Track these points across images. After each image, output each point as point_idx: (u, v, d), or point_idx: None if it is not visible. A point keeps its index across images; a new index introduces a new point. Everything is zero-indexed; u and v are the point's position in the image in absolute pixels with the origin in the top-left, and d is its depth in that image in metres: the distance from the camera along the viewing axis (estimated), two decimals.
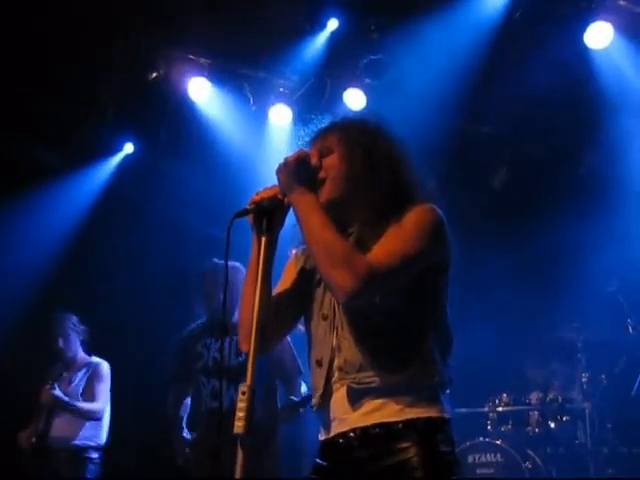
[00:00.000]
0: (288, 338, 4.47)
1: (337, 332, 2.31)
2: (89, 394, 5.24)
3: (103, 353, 6.04)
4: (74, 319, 5.36)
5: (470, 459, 5.78)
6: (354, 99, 6.24)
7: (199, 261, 4.65)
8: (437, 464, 2.19)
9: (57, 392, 5.05)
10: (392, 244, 2.23)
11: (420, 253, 2.24)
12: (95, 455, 5.21)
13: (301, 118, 6.53)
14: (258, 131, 6.57)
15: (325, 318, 2.35)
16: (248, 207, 2.29)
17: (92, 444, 5.21)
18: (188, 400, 4.70)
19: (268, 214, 2.29)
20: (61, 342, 5.26)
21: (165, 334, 4.91)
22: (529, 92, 5.79)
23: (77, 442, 5.14)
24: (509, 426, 6.05)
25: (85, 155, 6.46)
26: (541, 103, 5.93)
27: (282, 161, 2.32)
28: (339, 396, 2.29)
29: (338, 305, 2.31)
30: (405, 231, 2.24)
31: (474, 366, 6.21)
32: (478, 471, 5.73)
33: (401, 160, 2.42)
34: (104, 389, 5.32)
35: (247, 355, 2.21)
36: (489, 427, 6.06)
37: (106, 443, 5.30)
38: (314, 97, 6.44)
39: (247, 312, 2.28)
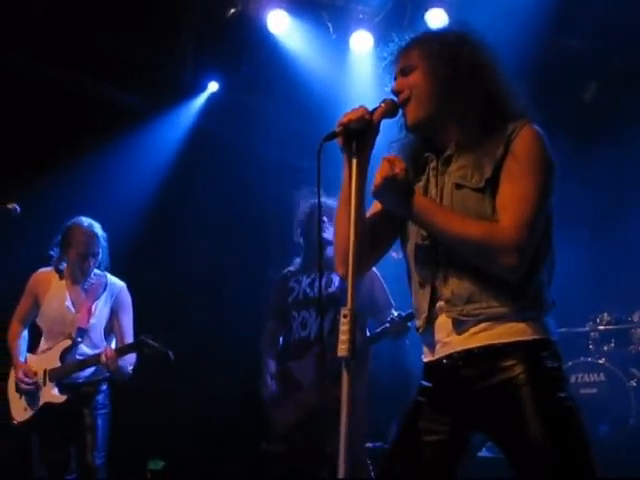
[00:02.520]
0: (377, 272, 4.53)
1: (442, 260, 2.27)
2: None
3: (199, 291, 6.22)
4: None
5: (573, 379, 5.73)
6: (436, 19, 6.06)
7: (287, 193, 4.69)
8: (544, 380, 2.17)
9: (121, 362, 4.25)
10: (522, 197, 2.16)
11: (548, 193, 2.21)
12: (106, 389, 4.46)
13: (383, 43, 6.40)
14: (340, 60, 6.48)
15: (425, 238, 2.31)
16: (336, 130, 2.23)
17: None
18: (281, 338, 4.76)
19: (357, 136, 2.23)
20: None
21: (251, 267, 4.99)
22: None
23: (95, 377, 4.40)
24: (612, 345, 5.96)
25: (170, 97, 6.51)
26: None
27: (372, 187, 2.23)
28: (444, 322, 2.28)
29: None
30: (525, 172, 2.17)
31: (574, 285, 6.11)
32: (581, 391, 5.69)
33: (490, 68, 2.31)
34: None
35: (343, 280, 2.30)
36: (591, 347, 5.99)
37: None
38: (395, 20, 6.28)
39: (341, 236, 2.27)
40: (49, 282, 4.50)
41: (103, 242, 4.48)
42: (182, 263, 6.43)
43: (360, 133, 2.23)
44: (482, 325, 2.22)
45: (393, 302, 4.50)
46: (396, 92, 2.34)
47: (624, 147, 6.09)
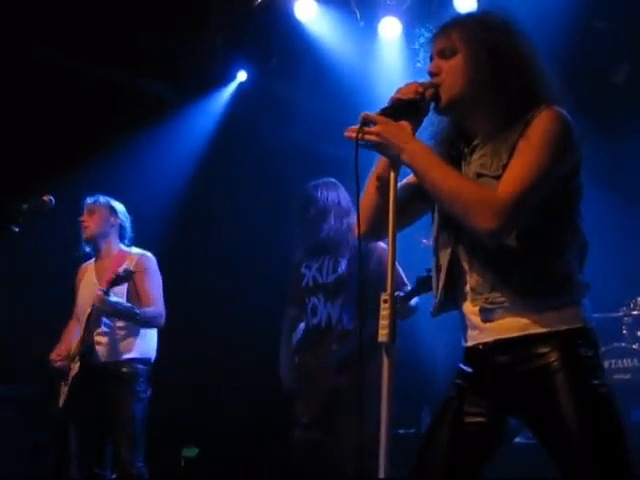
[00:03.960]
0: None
1: (466, 247, 2.28)
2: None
3: (231, 279, 6.25)
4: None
5: (606, 364, 5.68)
6: (465, 3, 6.02)
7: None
8: (578, 367, 2.17)
9: (113, 298, 4.20)
10: (521, 169, 2.15)
11: (550, 172, 2.16)
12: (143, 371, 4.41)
13: (411, 29, 6.38)
14: (368, 46, 6.46)
15: (446, 223, 2.32)
16: (388, 105, 2.22)
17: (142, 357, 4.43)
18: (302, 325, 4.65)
19: (408, 112, 2.22)
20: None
21: (283, 255, 5.00)
22: None
23: (129, 356, 4.38)
24: None
25: (200, 86, 6.55)
26: None
27: (378, 119, 2.18)
28: (471, 310, 2.29)
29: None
30: (532, 148, 2.15)
31: (607, 270, 6.05)
32: (615, 376, 5.65)
33: (528, 58, 2.28)
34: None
35: (360, 239, 2.36)
36: (624, 332, 5.94)
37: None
38: (423, 6, 6.26)
39: (367, 195, 2.36)
40: (83, 272, 4.60)
41: (118, 216, 4.53)
42: (213, 252, 6.47)
43: (413, 109, 2.23)
44: (511, 313, 2.22)
45: (406, 281, 4.29)
46: (433, 73, 2.31)
47: None
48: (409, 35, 6.40)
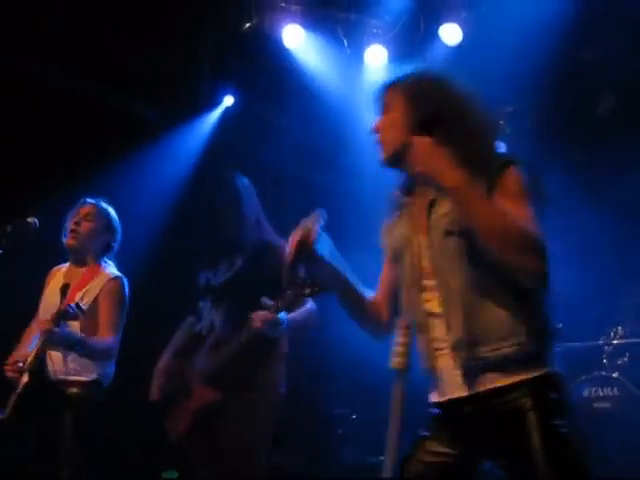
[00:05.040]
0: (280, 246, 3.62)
1: (444, 305, 2.28)
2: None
3: None
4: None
5: (586, 393, 5.71)
6: (450, 34, 6.11)
7: (301, 205, 4.67)
8: (544, 409, 2.21)
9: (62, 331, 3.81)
10: (524, 214, 2.19)
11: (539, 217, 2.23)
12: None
13: (397, 57, 6.45)
14: (354, 73, 6.53)
15: (413, 285, 2.37)
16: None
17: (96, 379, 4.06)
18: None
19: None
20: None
21: None
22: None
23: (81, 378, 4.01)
24: (626, 359, 5.91)
25: (187, 110, 6.58)
26: None
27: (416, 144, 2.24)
28: (450, 366, 2.29)
29: (446, 279, 2.27)
30: (520, 201, 2.21)
31: (588, 299, 6.10)
32: (595, 405, 5.66)
33: (464, 112, 2.38)
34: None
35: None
36: (604, 360, 5.95)
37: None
38: (409, 35, 6.34)
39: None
40: (53, 276, 4.31)
41: (113, 233, 4.22)
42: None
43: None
44: (489, 369, 2.24)
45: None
46: (375, 129, 2.46)
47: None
48: (395, 63, 6.48)
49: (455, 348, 2.24)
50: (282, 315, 3.44)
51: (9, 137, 5.42)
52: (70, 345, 3.88)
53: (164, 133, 6.39)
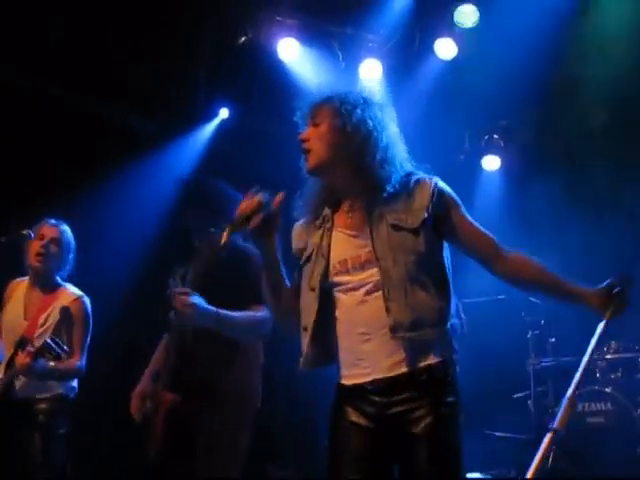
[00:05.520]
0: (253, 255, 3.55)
1: (385, 290, 2.52)
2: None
3: None
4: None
5: (579, 407, 5.72)
6: (445, 48, 6.14)
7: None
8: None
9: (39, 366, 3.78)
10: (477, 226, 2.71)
11: None
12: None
13: (392, 71, 6.48)
14: (349, 87, 6.54)
15: (313, 289, 2.63)
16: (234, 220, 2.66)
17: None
18: None
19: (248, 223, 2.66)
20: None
21: None
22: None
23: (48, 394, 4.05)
24: (619, 374, 5.93)
25: (183, 123, 6.60)
26: None
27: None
28: (374, 349, 2.56)
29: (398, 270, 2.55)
30: (463, 213, 2.68)
31: (581, 314, 6.11)
32: (588, 420, 5.68)
33: (383, 127, 2.68)
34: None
35: None
36: (598, 375, 5.97)
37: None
38: (404, 49, 6.38)
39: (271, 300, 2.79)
40: (14, 289, 4.29)
41: (70, 249, 4.20)
42: None
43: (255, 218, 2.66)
44: (415, 350, 2.58)
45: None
46: (303, 140, 2.72)
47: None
48: (390, 77, 6.51)
49: (394, 330, 2.50)
50: (197, 299, 3.31)
51: (6, 150, 5.42)
52: (45, 377, 3.91)
53: (160, 145, 6.40)
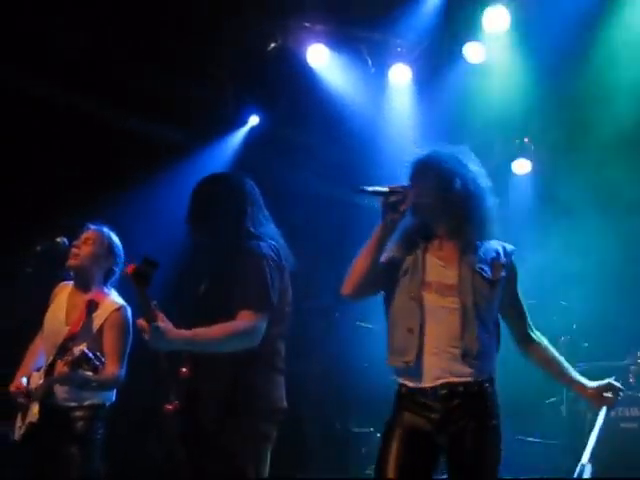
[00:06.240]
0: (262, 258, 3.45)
1: (464, 320, 2.98)
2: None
3: None
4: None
5: (613, 413, 5.64)
6: (474, 52, 6.13)
7: (327, 224, 4.65)
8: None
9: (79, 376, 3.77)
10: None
11: None
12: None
13: (421, 76, 6.48)
14: (378, 93, 6.58)
15: (413, 299, 3.03)
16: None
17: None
18: None
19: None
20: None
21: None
22: None
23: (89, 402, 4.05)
24: None
25: (212, 131, 6.64)
26: None
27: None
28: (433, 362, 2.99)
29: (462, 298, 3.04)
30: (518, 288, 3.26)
31: (613, 318, 6.06)
32: (622, 425, 5.63)
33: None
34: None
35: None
36: (631, 380, 5.91)
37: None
38: (433, 54, 6.38)
39: (365, 263, 3.06)
40: (59, 292, 4.30)
41: (115, 257, 4.18)
42: None
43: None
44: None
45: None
46: None
47: None
48: (419, 82, 6.52)
49: (466, 354, 2.96)
50: (158, 325, 3.13)
51: (39, 159, 5.49)
52: (83, 387, 3.91)
53: (190, 154, 6.44)
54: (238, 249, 3.39)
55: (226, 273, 3.42)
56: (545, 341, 3.21)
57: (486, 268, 3.05)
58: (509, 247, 3.16)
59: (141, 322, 3.08)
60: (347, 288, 3.09)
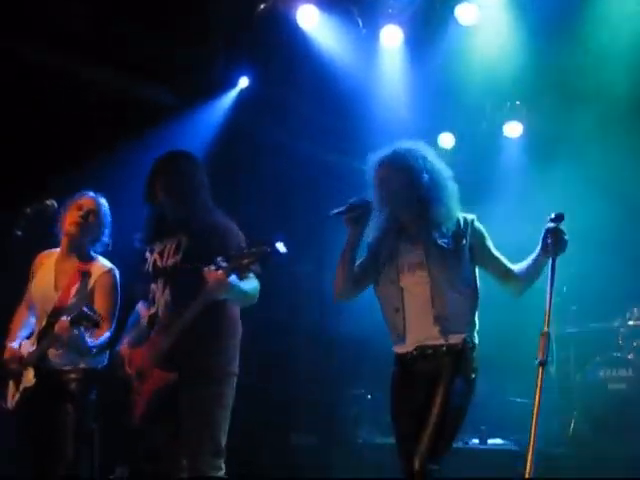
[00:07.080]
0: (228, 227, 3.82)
1: (433, 290, 3.38)
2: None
3: None
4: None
5: (601, 374, 5.73)
6: (467, 14, 6.08)
7: (316, 185, 4.64)
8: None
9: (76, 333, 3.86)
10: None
11: None
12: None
13: (413, 38, 6.43)
14: (369, 54, 6.52)
15: (393, 283, 3.47)
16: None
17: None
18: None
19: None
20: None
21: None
22: None
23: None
24: None
25: (202, 93, 6.57)
26: None
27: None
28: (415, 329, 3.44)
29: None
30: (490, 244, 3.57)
31: (603, 281, 6.09)
32: (610, 386, 5.69)
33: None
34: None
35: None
36: (620, 342, 5.97)
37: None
38: (425, 15, 6.32)
39: (347, 267, 3.51)
40: (43, 260, 4.32)
41: (105, 222, 4.24)
42: None
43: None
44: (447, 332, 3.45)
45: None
46: None
47: None
48: (410, 43, 6.46)
49: (437, 318, 3.36)
50: (232, 278, 3.48)
51: (28, 123, 5.44)
52: (82, 352, 3.98)
53: (179, 116, 6.38)
54: (214, 223, 3.74)
55: (206, 243, 3.67)
56: (519, 264, 3.44)
57: (448, 241, 3.43)
58: (470, 216, 3.50)
59: (218, 274, 3.46)
60: (337, 293, 3.57)
